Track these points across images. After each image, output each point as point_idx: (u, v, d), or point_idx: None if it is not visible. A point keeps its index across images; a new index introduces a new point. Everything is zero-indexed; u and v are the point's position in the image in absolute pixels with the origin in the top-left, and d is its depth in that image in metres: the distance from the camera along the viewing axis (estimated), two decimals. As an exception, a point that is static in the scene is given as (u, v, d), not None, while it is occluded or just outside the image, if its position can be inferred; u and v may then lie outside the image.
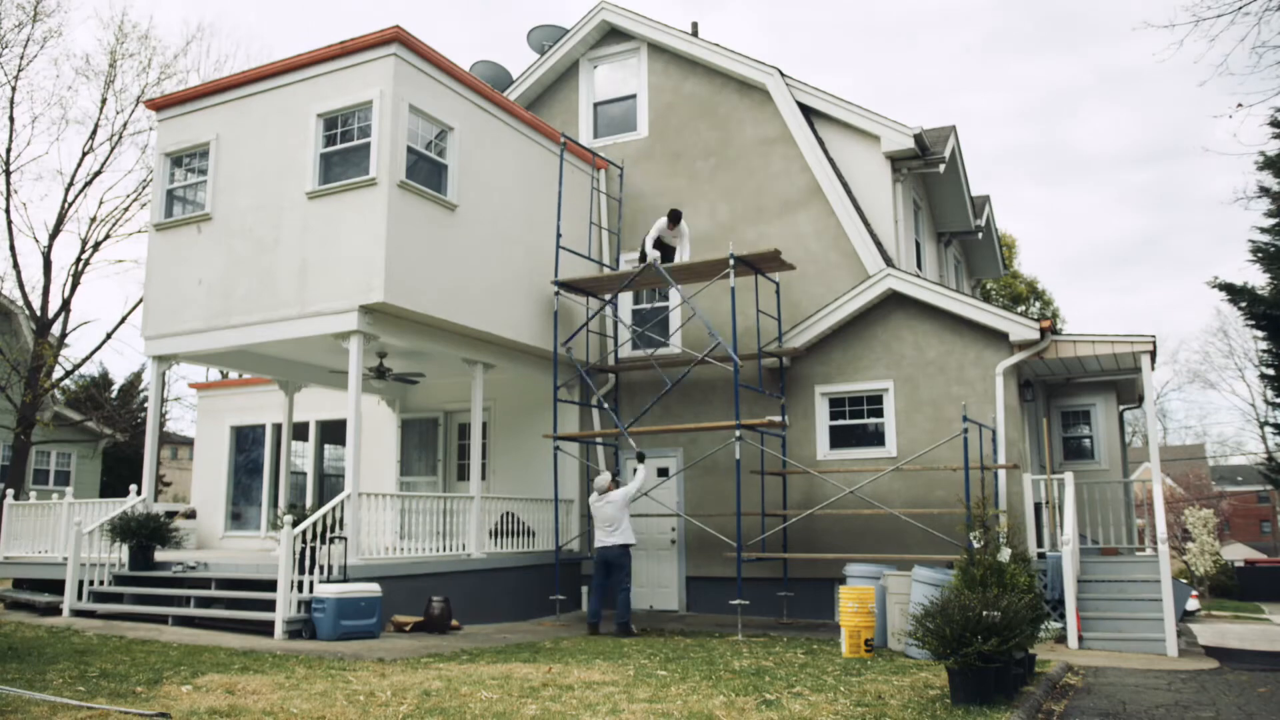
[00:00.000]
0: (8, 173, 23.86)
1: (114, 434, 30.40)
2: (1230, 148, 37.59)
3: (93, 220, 24.83)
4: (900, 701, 6.60)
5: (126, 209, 25.03)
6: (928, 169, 15.18)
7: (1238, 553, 48.87)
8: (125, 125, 24.91)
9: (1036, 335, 12.41)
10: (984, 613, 6.66)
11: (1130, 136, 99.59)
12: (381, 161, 11.42)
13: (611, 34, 16.61)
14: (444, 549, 12.40)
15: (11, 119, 23.90)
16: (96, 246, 24.94)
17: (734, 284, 12.72)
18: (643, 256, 14.09)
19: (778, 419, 13.21)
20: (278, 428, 17.22)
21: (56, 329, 25.21)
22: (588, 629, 11.70)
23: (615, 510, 11.69)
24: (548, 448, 14.29)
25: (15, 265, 24.28)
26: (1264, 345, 19.61)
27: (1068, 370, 14.10)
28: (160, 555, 12.49)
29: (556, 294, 14.03)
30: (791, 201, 14.75)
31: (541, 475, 14.79)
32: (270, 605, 10.53)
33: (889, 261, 13.79)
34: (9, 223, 23.92)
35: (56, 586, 12.62)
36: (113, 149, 24.94)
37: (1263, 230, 18.38)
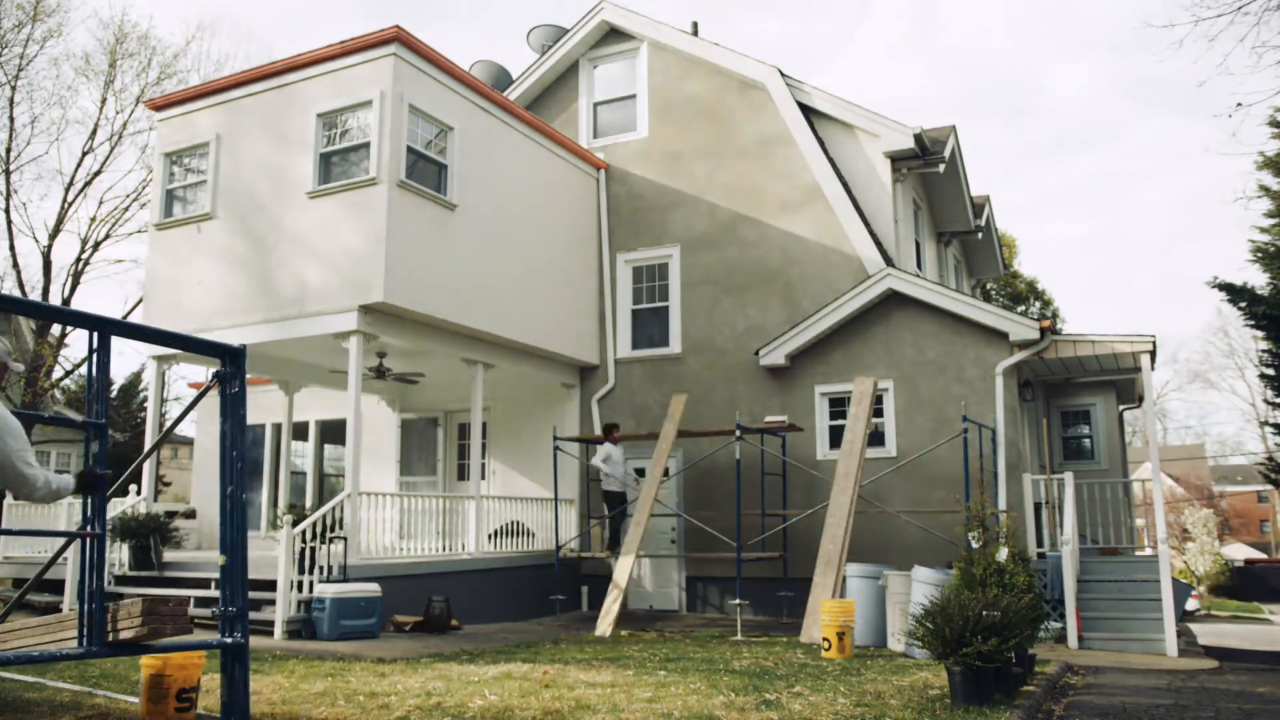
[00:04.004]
0: (8, 173, 23.88)
1: (114, 434, 30.39)
2: (1230, 146, 37.61)
3: (92, 220, 24.89)
4: (900, 701, 6.59)
5: (126, 209, 25.09)
6: (928, 169, 15.17)
7: (1238, 552, 48.90)
8: (125, 125, 24.97)
9: (1036, 335, 12.40)
10: (984, 613, 6.65)
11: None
12: (381, 161, 11.42)
13: (611, 34, 16.60)
14: (444, 549, 12.40)
15: (11, 119, 23.94)
16: (96, 246, 24.98)
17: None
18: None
19: (781, 419, 13.19)
20: (278, 428, 17.20)
21: (56, 329, 25.23)
22: None
23: None
24: (547, 447, 14.28)
25: (15, 265, 24.32)
26: (1264, 345, 19.55)
27: (1067, 370, 14.10)
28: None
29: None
30: (791, 201, 14.73)
31: (541, 475, 14.78)
32: (270, 605, 10.53)
33: (889, 261, 13.78)
34: (9, 223, 23.95)
35: (56, 586, 12.60)
36: (113, 149, 25.01)
37: (1263, 230, 18.37)
